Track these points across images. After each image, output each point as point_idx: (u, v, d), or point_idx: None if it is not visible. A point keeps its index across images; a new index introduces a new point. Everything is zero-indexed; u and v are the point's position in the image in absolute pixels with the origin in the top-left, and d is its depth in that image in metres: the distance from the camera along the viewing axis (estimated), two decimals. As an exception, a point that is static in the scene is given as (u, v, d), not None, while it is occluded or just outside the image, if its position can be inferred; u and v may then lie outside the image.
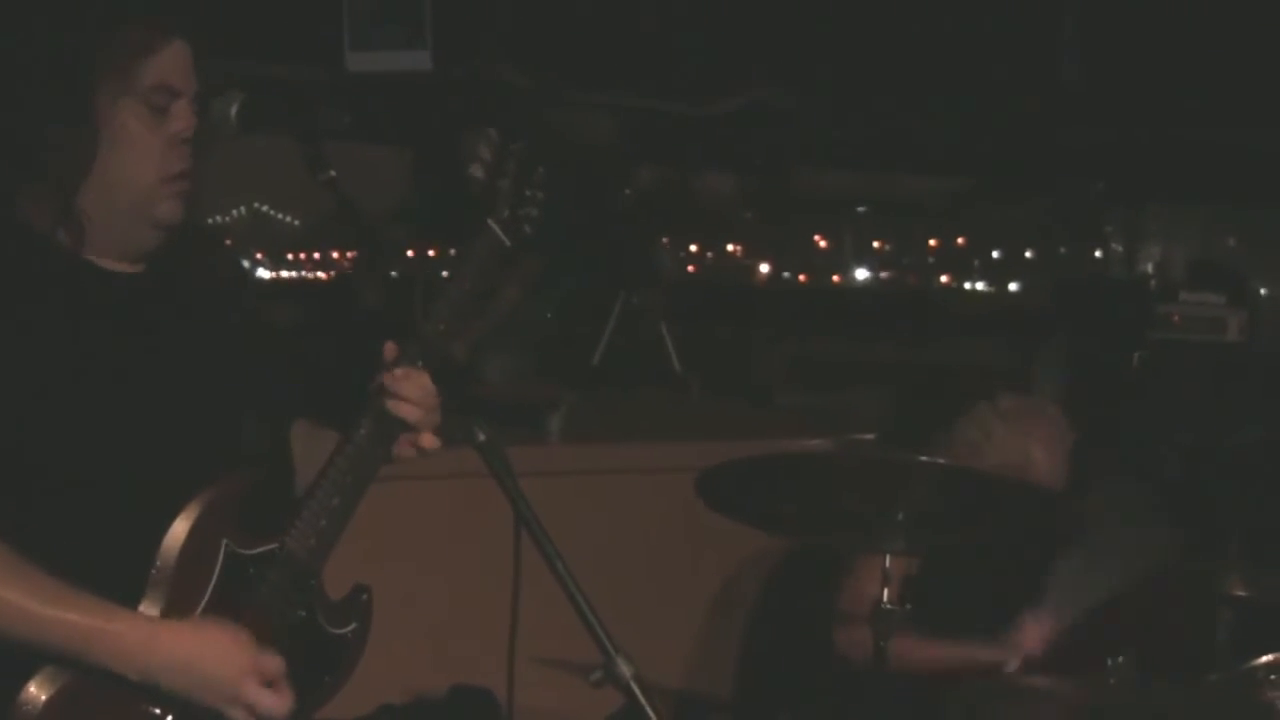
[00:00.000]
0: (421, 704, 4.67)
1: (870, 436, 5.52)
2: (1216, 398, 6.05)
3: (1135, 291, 6.55)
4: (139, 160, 2.59)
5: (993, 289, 10.28)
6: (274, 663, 2.55)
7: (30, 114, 2.53)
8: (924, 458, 3.40)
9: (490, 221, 2.93)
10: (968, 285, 10.38)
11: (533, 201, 3.00)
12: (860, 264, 9.56)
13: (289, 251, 8.06)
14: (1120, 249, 7.96)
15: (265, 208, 7.66)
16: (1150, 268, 6.83)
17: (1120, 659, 3.46)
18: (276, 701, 2.54)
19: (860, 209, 9.01)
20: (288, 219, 8.01)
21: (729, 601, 5.08)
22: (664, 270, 7.40)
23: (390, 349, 2.73)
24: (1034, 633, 4.20)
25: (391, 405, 2.70)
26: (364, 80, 5.54)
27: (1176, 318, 6.23)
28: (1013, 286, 10.25)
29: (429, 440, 2.74)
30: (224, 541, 2.58)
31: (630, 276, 6.89)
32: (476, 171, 2.91)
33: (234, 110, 2.66)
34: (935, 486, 3.28)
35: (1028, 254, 10.10)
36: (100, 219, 2.58)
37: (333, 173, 2.63)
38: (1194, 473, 5.78)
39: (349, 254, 8.04)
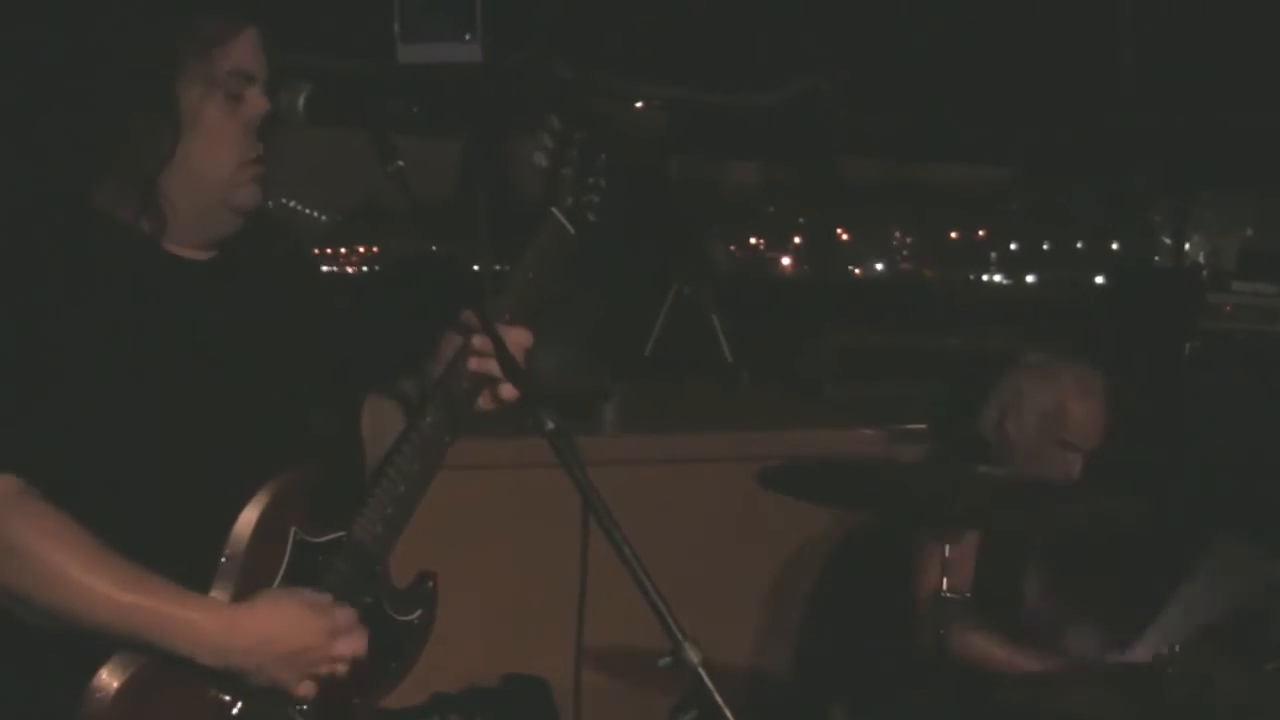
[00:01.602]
0: (474, 692, 4.68)
1: (922, 426, 5.51)
2: (1269, 388, 6.02)
3: (1187, 280, 6.51)
4: (219, 147, 2.62)
5: (1010, 281, 10.29)
6: (347, 615, 2.60)
7: (112, 104, 2.56)
8: (983, 468, 3.42)
9: (554, 210, 2.95)
10: (985, 277, 10.38)
11: (595, 189, 3.02)
12: (879, 256, 9.55)
13: (316, 247, 8.09)
14: (1168, 238, 7.92)
15: (294, 203, 7.67)
16: (1201, 256, 6.79)
17: (1179, 646, 3.46)
18: (351, 647, 2.59)
19: (908, 203, 9.00)
20: (315, 214, 8.01)
21: (784, 592, 5.09)
22: (717, 261, 7.42)
23: (469, 315, 2.74)
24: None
25: (478, 364, 2.73)
26: (415, 72, 5.56)
27: (1229, 307, 6.21)
28: (1030, 279, 10.27)
29: (509, 390, 2.75)
30: (292, 529, 2.61)
31: (683, 268, 6.90)
32: (540, 160, 2.93)
33: (302, 101, 2.68)
34: (994, 493, 3.30)
35: (1045, 246, 10.10)
36: (182, 207, 2.61)
37: (400, 163, 2.65)
38: (1249, 463, 5.76)
39: (375, 249, 8.06)
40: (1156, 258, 7.91)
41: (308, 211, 7.85)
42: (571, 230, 2.97)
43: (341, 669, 2.58)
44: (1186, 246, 7.62)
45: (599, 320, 6.47)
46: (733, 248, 8.74)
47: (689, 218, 7.18)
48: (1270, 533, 4.67)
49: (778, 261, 8.91)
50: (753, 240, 8.72)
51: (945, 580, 3.27)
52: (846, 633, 4.50)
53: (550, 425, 2.43)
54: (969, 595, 3.30)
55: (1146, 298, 6.58)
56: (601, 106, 6.55)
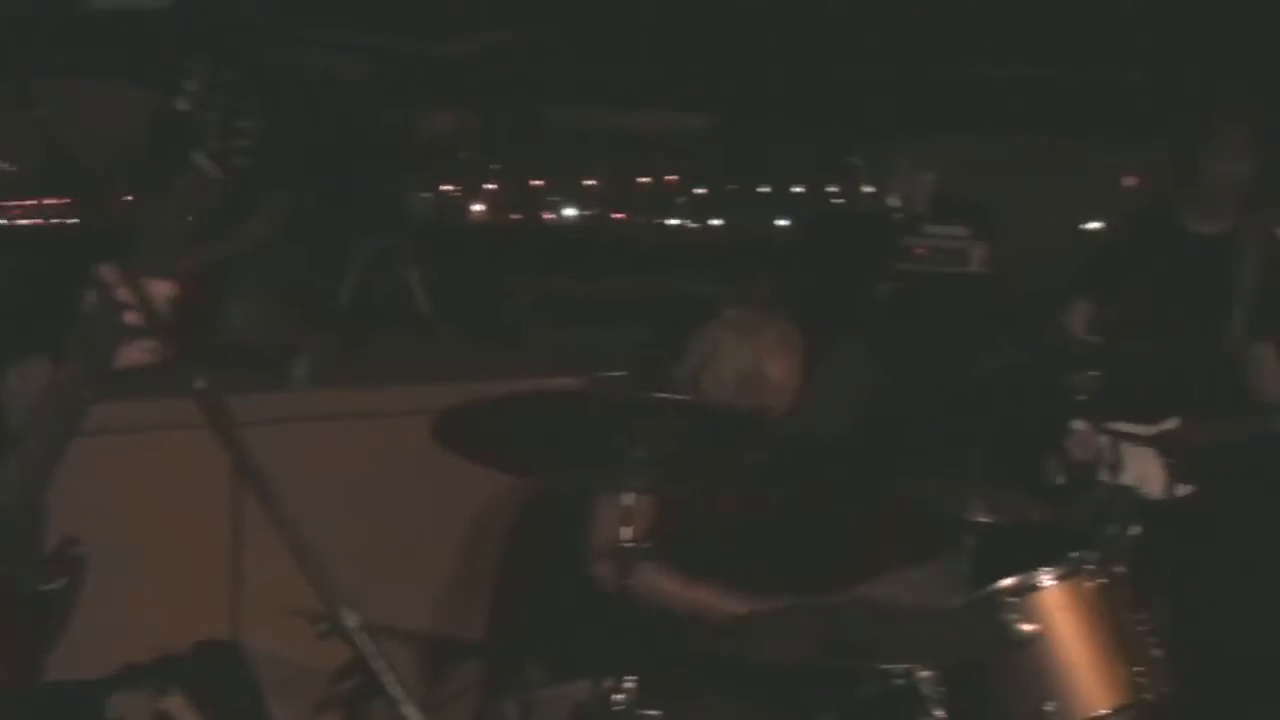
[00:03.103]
0: (167, 660, 4.55)
1: (621, 374, 5.50)
2: (960, 326, 6.15)
3: (880, 224, 6.60)
4: None
5: (697, 225, 10.38)
6: None
7: None
8: (661, 394, 3.38)
9: (196, 154, 2.83)
10: (672, 221, 10.45)
11: (244, 133, 2.90)
12: (573, 202, 9.55)
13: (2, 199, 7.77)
14: (865, 184, 8.05)
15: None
16: (896, 200, 6.90)
17: (863, 585, 3.49)
18: None
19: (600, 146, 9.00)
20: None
21: (479, 544, 5.04)
22: (413, 210, 7.33)
23: (107, 271, 2.64)
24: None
25: (119, 318, 2.62)
26: (101, 17, 5.39)
27: (921, 250, 6.32)
28: (714, 221, 10.37)
29: (151, 344, 2.65)
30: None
31: (377, 217, 6.81)
32: (182, 104, 2.81)
33: None
34: (676, 423, 3.25)
35: (730, 188, 10.19)
36: None
37: (45, 110, 2.52)
38: (938, 400, 5.87)
39: (67, 200, 7.78)
40: (852, 201, 8.03)
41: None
42: (217, 175, 2.84)
43: None
44: (878, 191, 7.74)
45: (292, 272, 6.35)
46: (427, 195, 8.64)
47: (384, 166, 7.08)
48: (964, 465, 4.74)
49: (472, 208, 8.82)
50: (447, 187, 8.63)
51: (625, 529, 3.23)
52: (537, 586, 4.46)
53: (199, 384, 2.34)
54: (649, 545, 3.26)
55: (842, 240, 6.67)
56: (298, 54, 6.43)
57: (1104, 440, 4.63)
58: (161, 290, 2.68)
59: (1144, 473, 4.81)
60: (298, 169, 5.58)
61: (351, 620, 2.24)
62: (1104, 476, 4.49)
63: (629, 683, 3.29)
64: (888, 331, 6.15)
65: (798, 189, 8.99)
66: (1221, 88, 5.53)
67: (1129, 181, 8.54)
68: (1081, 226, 8.42)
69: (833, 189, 8.39)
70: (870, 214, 7.51)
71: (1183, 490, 4.90)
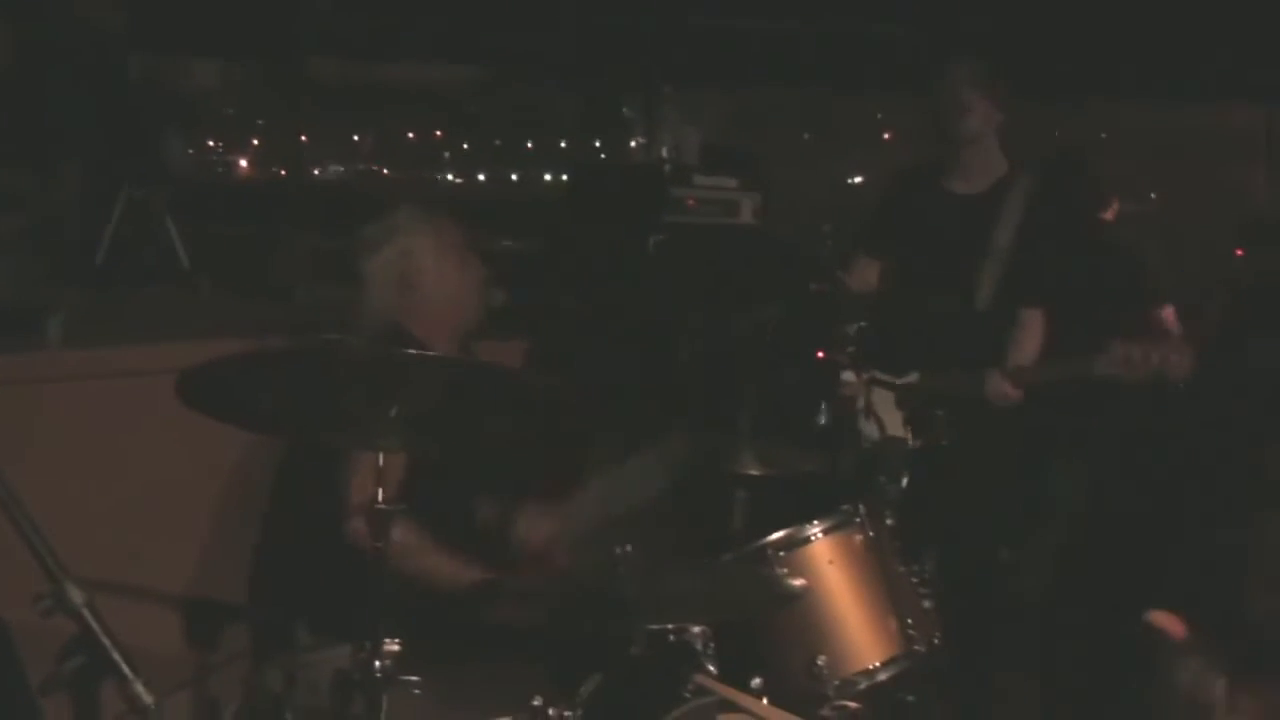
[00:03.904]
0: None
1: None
2: (730, 279, 6.12)
3: (649, 175, 6.55)
4: None
5: (461, 180, 10.31)
6: None
7: None
8: (413, 351, 3.29)
9: None
10: (439, 176, 10.38)
11: None
12: (339, 158, 9.45)
13: None
14: (634, 136, 8.00)
15: None
16: (665, 151, 6.87)
17: (628, 547, 3.42)
18: None
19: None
20: None
21: (241, 504, 4.92)
22: (173, 164, 7.12)
23: None
24: (535, 535, 4.26)
25: None
26: None
27: (691, 201, 6.28)
28: (481, 176, 10.32)
29: None
30: None
31: (135, 170, 6.60)
32: None
33: None
34: (427, 380, 3.16)
35: (496, 142, 10.14)
36: None
37: None
38: (707, 353, 5.85)
39: None
40: (620, 154, 7.97)
41: None
42: None
43: None
44: (641, 142, 7.71)
45: (46, 226, 6.13)
46: (190, 150, 8.43)
47: (141, 117, 6.87)
48: (729, 422, 4.74)
49: (236, 164, 8.66)
50: (211, 142, 8.44)
51: (379, 489, 3.13)
52: (297, 548, 4.35)
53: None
54: (404, 506, 3.16)
55: (610, 193, 6.61)
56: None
57: (868, 391, 4.65)
58: None
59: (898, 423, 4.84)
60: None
61: (77, 597, 2.12)
62: (868, 429, 4.50)
63: (391, 646, 3.20)
64: (658, 283, 6.11)
65: (564, 143, 8.94)
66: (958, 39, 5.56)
67: (887, 135, 8.63)
68: (848, 180, 8.50)
69: (599, 142, 8.35)
70: (639, 166, 7.45)
71: (917, 443, 4.92)
